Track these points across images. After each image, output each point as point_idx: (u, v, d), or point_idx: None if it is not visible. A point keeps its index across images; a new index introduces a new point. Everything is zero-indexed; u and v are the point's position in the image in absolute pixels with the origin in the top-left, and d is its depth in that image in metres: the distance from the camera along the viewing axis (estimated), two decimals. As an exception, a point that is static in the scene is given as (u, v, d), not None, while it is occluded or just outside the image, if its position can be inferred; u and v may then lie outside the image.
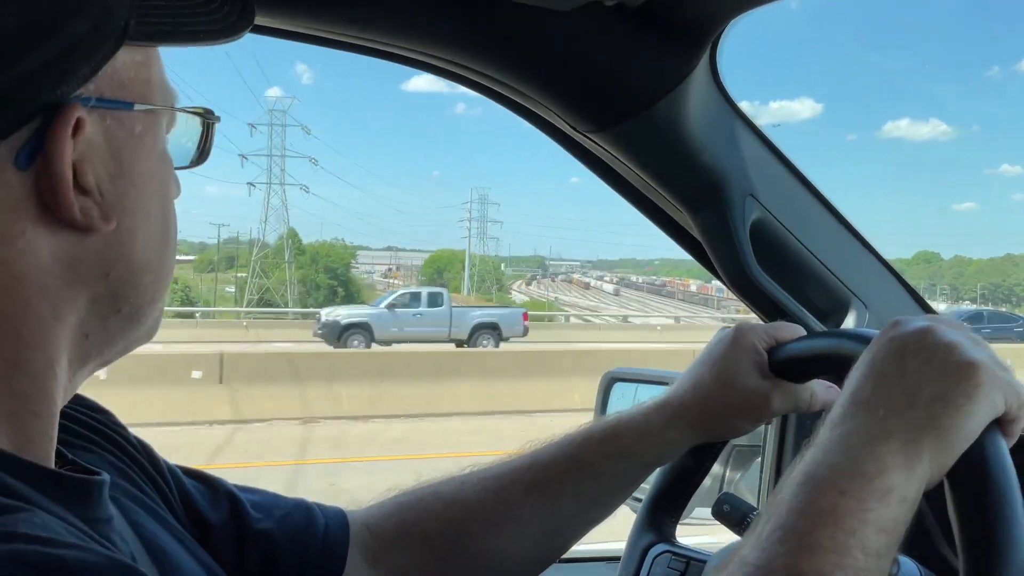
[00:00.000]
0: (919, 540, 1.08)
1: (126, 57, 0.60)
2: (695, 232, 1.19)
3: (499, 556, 0.95)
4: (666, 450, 0.97)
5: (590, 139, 1.12)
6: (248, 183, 64.43)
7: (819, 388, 0.96)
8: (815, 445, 0.67)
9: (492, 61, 1.07)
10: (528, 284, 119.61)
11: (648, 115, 1.07)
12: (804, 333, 0.95)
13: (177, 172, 0.69)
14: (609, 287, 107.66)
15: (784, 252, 1.19)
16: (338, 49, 1.08)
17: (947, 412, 0.66)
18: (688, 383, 0.96)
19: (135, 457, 0.79)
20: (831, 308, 1.23)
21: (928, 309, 1.31)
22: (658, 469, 1.03)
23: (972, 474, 0.66)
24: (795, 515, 0.61)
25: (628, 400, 1.76)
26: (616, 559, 1.08)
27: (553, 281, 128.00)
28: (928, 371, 0.68)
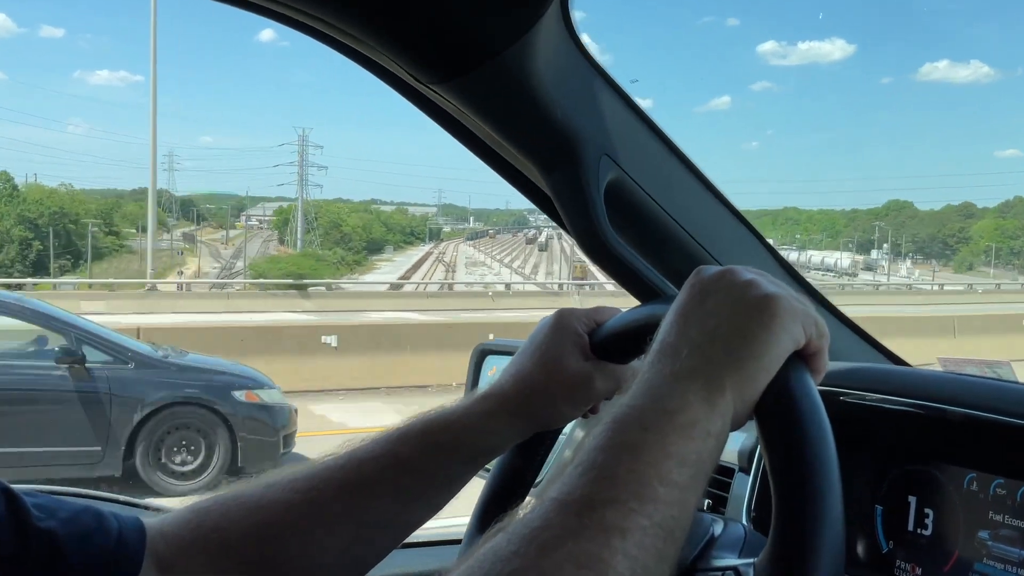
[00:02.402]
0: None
1: None
2: (548, 192, 1.12)
3: (308, 562, 0.88)
4: (489, 443, 0.93)
5: (434, 91, 1.04)
6: None
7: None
8: (625, 393, 0.67)
9: (325, 5, 0.97)
10: (466, 240, 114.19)
11: (493, 66, 0.99)
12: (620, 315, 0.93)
13: None
14: (542, 239, 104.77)
15: (641, 215, 1.14)
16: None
17: (745, 344, 0.67)
18: (509, 372, 0.93)
19: None
20: (691, 273, 1.18)
21: (790, 270, 1.29)
22: (490, 471, 1.00)
23: (776, 407, 0.67)
24: (596, 451, 0.61)
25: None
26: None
27: (514, 236, 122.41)
28: (726, 309, 0.70)
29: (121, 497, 1.10)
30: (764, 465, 1.10)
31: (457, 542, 1.01)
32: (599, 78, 1.09)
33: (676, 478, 0.60)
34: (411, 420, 0.92)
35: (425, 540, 1.42)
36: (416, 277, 53.03)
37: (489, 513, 0.98)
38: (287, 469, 0.91)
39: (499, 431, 0.92)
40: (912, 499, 1.04)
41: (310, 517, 0.87)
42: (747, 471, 1.14)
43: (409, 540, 0.97)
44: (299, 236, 77.60)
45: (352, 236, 79.10)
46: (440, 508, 0.93)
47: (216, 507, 0.88)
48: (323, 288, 31.52)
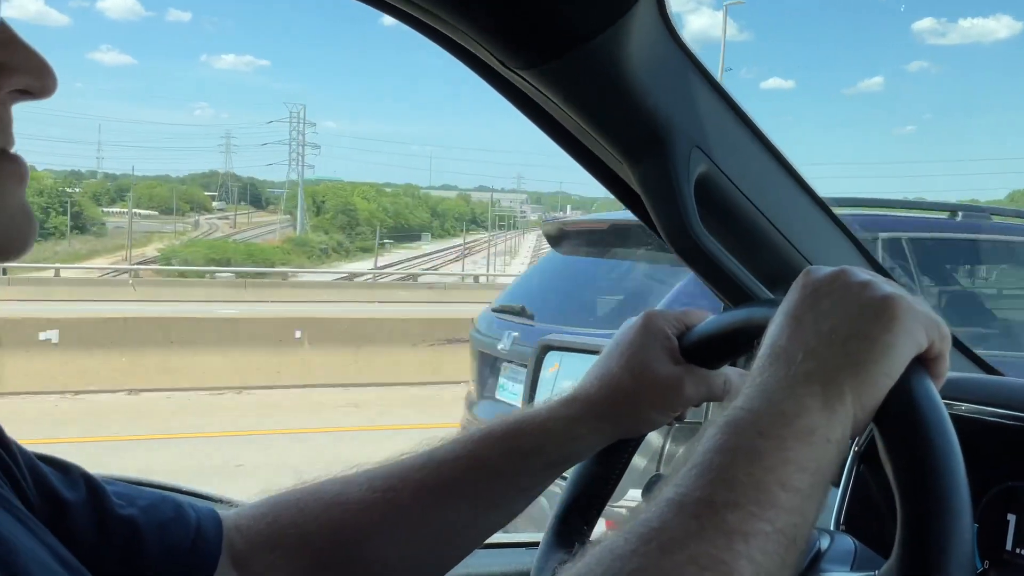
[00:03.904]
0: (866, 519, 1.02)
1: None
2: (634, 185, 1.08)
3: (384, 563, 0.86)
4: (572, 448, 0.90)
5: (520, 76, 1.00)
6: None
7: (733, 374, 0.91)
8: (737, 397, 0.65)
9: None
10: (515, 227, 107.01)
11: (585, 52, 0.95)
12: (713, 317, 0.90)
13: None
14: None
15: (731, 211, 1.09)
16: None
17: (865, 348, 0.64)
18: (595, 375, 0.90)
19: None
20: (781, 274, 1.13)
21: (886, 275, 1.23)
22: (568, 478, 0.96)
23: (900, 414, 0.64)
24: (712, 453, 0.59)
25: (567, 372, 1.67)
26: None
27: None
28: (843, 311, 0.66)
29: (194, 489, 1.08)
30: (852, 474, 1.06)
31: (531, 544, 0.97)
32: (692, 68, 1.04)
33: (796, 484, 0.58)
34: (493, 422, 0.90)
35: (499, 542, 1.39)
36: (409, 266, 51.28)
37: (568, 520, 0.94)
38: (364, 467, 0.89)
39: (584, 436, 0.89)
40: (1011, 517, 0.99)
41: (387, 519, 0.85)
42: (835, 480, 1.09)
43: (489, 541, 0.95)
44: (299, 221, 74.52)
45: (368, 221, 75.06)
46: (518, 513, 0.91)
47: (293, 502, 0.87)
48: (232, 276, 29.62)
